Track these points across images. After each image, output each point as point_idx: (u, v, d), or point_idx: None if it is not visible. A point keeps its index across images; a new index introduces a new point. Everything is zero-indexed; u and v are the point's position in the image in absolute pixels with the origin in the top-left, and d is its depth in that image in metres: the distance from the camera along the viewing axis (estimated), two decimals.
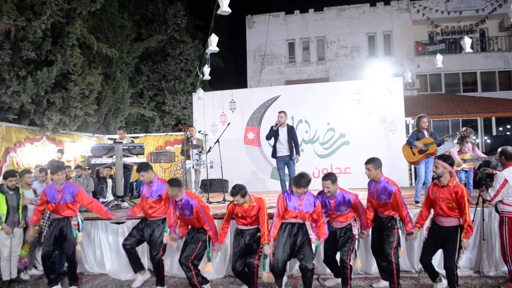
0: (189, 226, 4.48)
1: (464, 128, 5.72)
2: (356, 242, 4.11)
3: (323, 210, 4.15)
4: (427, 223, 4.22)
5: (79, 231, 4.67)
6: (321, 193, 4.22)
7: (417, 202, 5.42)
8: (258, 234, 4.23)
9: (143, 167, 4.63)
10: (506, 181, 4.06)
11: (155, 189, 4.57)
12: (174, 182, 4.27)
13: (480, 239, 4.73)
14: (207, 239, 4.31)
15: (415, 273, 4.81)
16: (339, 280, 4.28)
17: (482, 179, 4.31)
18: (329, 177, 4.03)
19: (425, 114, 5.76)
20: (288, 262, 4.20)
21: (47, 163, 7.53)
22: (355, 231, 4.15)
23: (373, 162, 4.10)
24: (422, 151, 5.53)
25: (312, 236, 4.10)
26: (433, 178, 5.01)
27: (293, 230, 4.06)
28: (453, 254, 3.84)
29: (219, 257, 5.03)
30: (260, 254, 4.16)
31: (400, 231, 4.12)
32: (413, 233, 4.08)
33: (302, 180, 3.97)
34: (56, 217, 4.67)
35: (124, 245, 4.60)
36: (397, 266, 4.00)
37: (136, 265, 4.69)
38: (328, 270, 4.81)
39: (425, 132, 5.62)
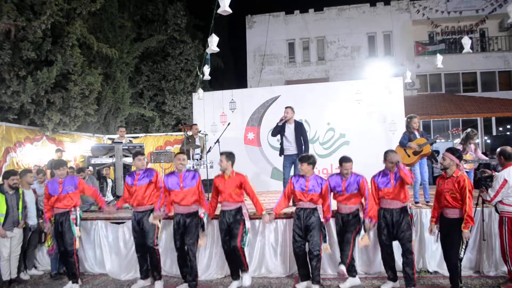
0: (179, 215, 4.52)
1: (454, 128, 5.68)
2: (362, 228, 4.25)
3: (334, 192, 4.41)
4: None
5: (76, 225, 4.72)
6: (333, 175, 4.51)
7: (416, 203, 5.40)
8: (238, 216, 4.42)
9: (140, 151, 5.03)
10: (505, 181, 4.06)
11: (144, 175, 4.69)
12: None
13: (480, 239, 4.73)
14: (199, 222, 4.48)
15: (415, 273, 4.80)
16: (355, 279, 4.39)
17: (482, 179, 4.29)
18: (350, 159, 4.33)
19: (416, 115, 5.70)
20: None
21: (47, 163, 7.55)
22: (362, 215, 4.31)
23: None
24: (416, 153, 5.47)
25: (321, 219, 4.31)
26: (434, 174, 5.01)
27: (304, 214, 4.32)
28: (456, 247, 3.84)
29: (219, 257, 5.03)
30: (243, 235, 4.34)
31: (413, 219, 4.33)
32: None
33: (304, 156, 4.43)
34: (57, 211, 4.74)
35: (137, 251, 4.74)
36: (414, 257, 4.17)
37: (144, 272, 4.78)
38: (329, 270, 4.82)
39: (416, 133, 5.57)
